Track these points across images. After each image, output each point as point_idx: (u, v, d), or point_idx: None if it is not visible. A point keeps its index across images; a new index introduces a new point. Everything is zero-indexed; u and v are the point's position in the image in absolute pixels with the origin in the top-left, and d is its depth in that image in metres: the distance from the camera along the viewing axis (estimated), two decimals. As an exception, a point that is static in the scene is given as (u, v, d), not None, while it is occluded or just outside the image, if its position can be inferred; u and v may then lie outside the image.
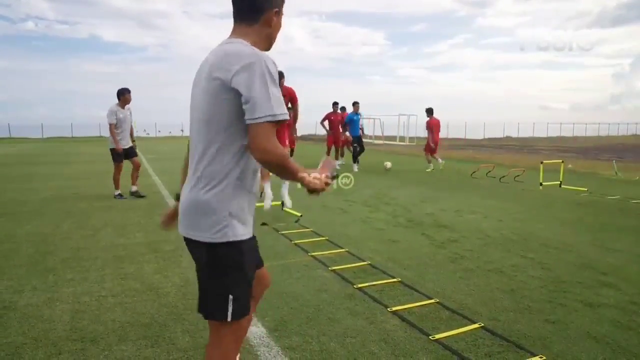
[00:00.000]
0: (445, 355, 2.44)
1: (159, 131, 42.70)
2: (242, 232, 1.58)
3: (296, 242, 4.66)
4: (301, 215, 5.68)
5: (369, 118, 25.76)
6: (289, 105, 6.58)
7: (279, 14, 1.65)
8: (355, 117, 11.65)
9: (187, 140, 2.16)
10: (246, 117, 1.46)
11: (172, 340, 2.59)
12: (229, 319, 1.58)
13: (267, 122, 1.44)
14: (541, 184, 8.60)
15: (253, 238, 1.68)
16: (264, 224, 5.42)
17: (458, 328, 2.73)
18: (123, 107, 7.15)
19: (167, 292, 3.30)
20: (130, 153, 7.44)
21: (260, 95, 1.44)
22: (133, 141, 7.60)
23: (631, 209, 6.73)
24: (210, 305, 1.62)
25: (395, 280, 3.56)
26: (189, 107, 1.69)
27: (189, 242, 1.63)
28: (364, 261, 4.01)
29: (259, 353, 2.45)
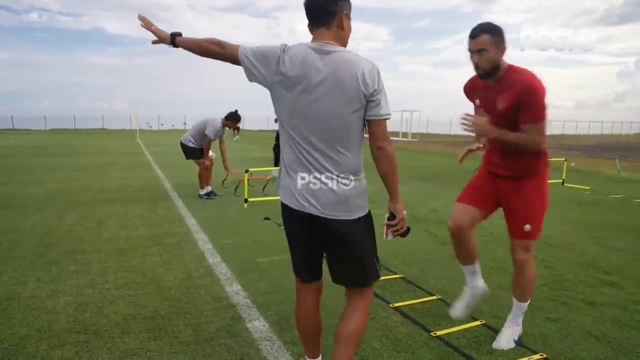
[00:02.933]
0: (447, 351, 2.45)
1: (162, 124, 42.77)
2: None
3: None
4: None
5: None
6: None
7: (348, 16, 1.84)
8: None
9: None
10: (371, 112, 1.79)
11: (175, 333, 2.61)
12: None
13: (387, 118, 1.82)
14: (544, 182, 8.57)
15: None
16: (266, 218, 5.43)
17: (460, 325, 2.73)
18: (223, 128, 6.64)
19: (169, 286, 3.32)
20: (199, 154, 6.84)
21: (385, 96, 1.80)
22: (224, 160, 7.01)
23: (634, 208, 6.71)
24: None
25: (397, 276, 3.57)
26: (293, 107, 1.81)
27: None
28: (366, 257, 4.01)
29: (261, 347, 2.46)
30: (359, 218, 1.88)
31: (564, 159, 9.61)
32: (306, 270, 1.99)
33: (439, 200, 6.99)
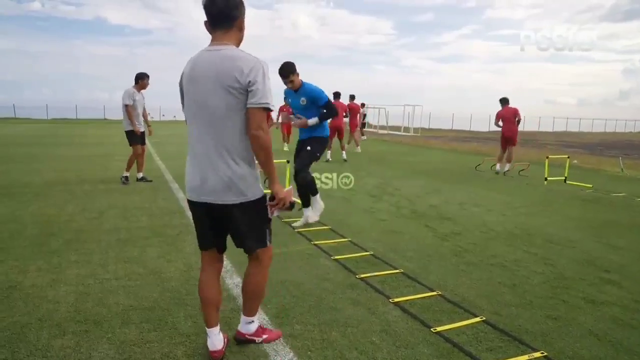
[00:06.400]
0: (447, 348, 2.45)
1: (163, 115, 42.59)
2: None
3: (299, 230, 4.66)
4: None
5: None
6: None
7: (243, 20, 2.13)
8: None
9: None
10: (249, 100, 2.00)
11: (175, 324, 2.61)
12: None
13: (263, 107, 2.01)
14: (546, 179, 8.56)
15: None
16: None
17: (460, 321, 2.74)
18: (139, 91, 7.20)
19: (170, 277, 3.32)
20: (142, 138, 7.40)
21: (262, 88, 1.99)
22: (149, 126, 7.64)
23: (636, 206, 6.69)
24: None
25: (397, 271, 3.56)
26: (189, 101, 2.13)
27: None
28: (366, 251, 4.02)
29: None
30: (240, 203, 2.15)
31: (566, 156, 9.58)
32: (209, 242, 2.29)
33: (440, 195, 6.98)
